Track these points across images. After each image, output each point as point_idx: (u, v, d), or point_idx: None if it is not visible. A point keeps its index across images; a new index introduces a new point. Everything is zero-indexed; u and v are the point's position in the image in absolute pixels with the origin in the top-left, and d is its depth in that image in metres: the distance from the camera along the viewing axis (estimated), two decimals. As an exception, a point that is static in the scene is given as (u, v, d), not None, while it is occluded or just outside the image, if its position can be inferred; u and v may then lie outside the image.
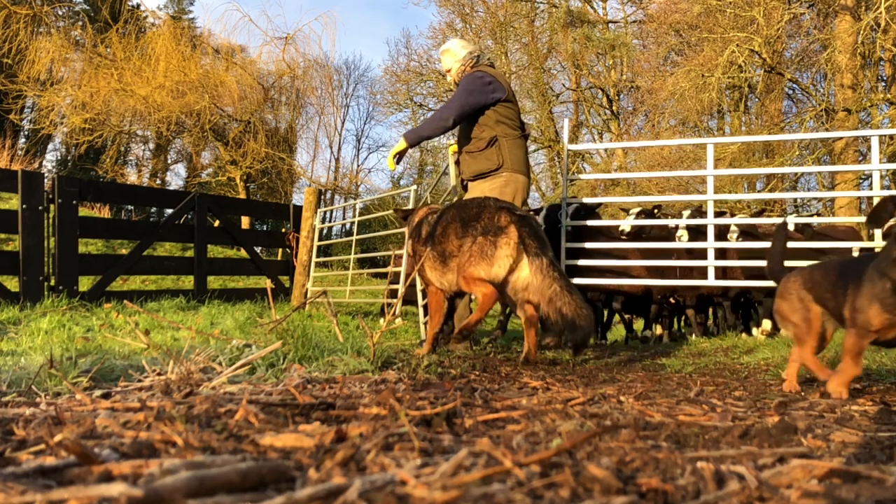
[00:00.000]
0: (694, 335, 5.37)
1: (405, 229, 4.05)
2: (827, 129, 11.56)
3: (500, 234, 2.95)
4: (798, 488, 0.87)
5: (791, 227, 5.33)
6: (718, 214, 4.97)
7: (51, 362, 1.79)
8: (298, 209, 7.03)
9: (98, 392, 1.64)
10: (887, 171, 8.95)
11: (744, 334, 5.06)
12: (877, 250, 3.98)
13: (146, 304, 5.47)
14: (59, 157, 25.40)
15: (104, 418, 1.21)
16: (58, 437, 1.04)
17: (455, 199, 4.45)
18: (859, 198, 12.26)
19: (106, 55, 15.75)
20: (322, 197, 22.03)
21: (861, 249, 4.35)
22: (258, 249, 9.66)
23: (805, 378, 2.34)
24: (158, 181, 26.16)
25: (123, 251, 7.38)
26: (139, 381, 1.79)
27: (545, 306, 2.89)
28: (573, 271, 4.41)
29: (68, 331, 4.00)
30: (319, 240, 6.78)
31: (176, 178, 27.20)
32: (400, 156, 3.93)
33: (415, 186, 5.63)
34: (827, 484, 0.91)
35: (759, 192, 13.86)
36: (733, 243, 4.54)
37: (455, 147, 4.21)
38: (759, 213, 6.29)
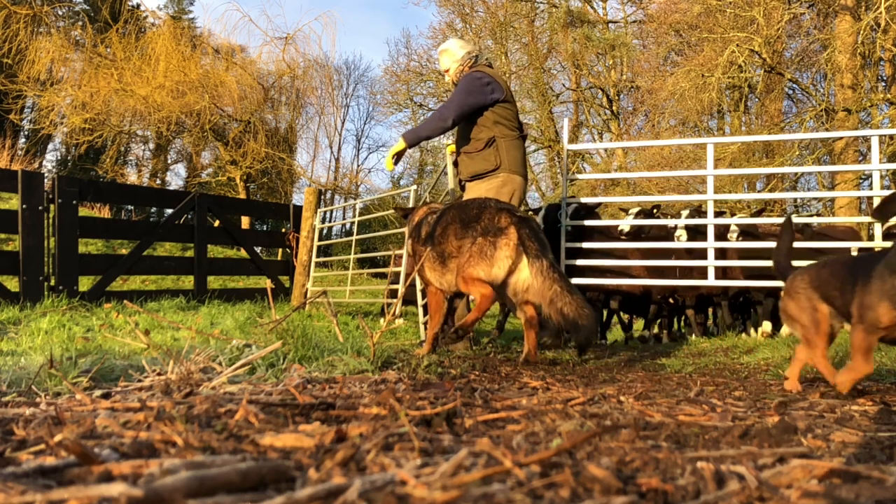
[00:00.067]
0: (694, 335, 5.37)
1: (405, 229, 4.04)
2: (827, 129, 11.56)
3: (499, 236, 2.94)
4: (798, 488, 0.87)
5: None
6: (717, 214, 4.97)
7: (51, 362, 1.79)
8: (298, 209, 7.03)
9: (98, 392, 1.64)
10: (887, 171, 8.95)
11: (743, 334, 5.07)
12: (877, 250, 3.98)
13: (146, 304, 5.47)
14: (59, 157, 25.42)
15: (104, 418, 1.21)
16: (58, 437, 1.04)
17: (450, 198, 4.45)
18: (859, 198, 12.26)
19: (106, 55, 15.75)
20: (322, 197, 22.03)
21: (859, 249, 4.35)
22: (258, 249, 9.66)
23: (805, 378, 2.34)
24: (158, 181, 26.16)
25: (123, 251, 7.38)
26: (139, 381, 1.79)
27: (546, 308, 2.88)
28: (572, 271, 4.41)
29: (68, 331, 4.00)
30: (319, 240, 6.78)
31: (176, 178, 27.23)
32: (398, 156, 3.93)
33: (415, 186, 5.63)
34: (827, 484, 0.91)
35: (759, 192, 13.87)
36: (733, 243, 4.54)
37: (453, 147, 4.21)
38: (759, 213, 6.29)
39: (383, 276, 9.79)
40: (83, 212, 8.55)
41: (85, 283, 5.71)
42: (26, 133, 21.75)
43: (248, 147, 16.57)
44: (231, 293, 6.63)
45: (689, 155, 13.43)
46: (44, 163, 23.73)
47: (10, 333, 3.90)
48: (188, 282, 6.90)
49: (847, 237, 5.21)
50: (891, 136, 10.75)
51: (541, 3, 21.04)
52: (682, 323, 6.69)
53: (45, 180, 5.35)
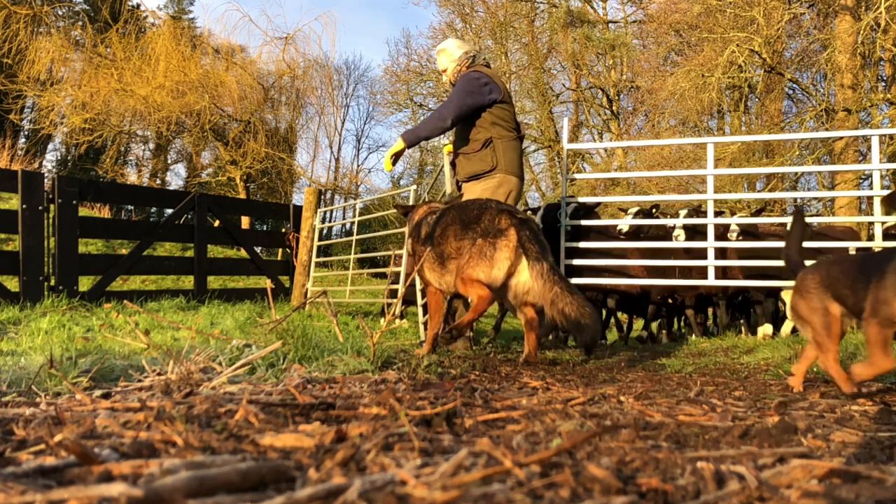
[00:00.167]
0: (694, 335, 5.37)
1: (405, 229, 4.04)
2: (827, 129, 11.56)
3: (499, 237, 2.93)
4: (798, 488, 0.87)
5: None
6: (716, 214, 4.97)
7: (51, 362, 1.79)
8: (298, 209, 7.03)
9: (98, 392, 1.64)
10: (887, 170, 8.96)
11: (743, 334, 5.07)
12: (875, 249, 3.98)
13: (146, 304, 5.47)
14: (59, 157, 25.42)
15: (104, 418, 1.21)
16: (58, 437, 1.04)
17: (445, 197, 4.45)
18: (859, 198, 12.26)
19: (106, 55, 15.75)
20: (322, 197, 22.04)
21: (858, 249, 4.35)
22: (258, 249, 9.66)
23: (805, 378, 2.34)
24: (158, 181, 26.16)
25: (123, 251, 7.37)
26: (139, 381, 1.79)
27: (548, 309, 2.87)
28: (571, 271, 4.40)
29: (68, 331, 4.00)
30: (319, 240, 6.79)
31: (176, 178, 27.23)
32: (397, 157, 3.92)
33: (414, 186, 5.63)
34: (827, 484, 0.91)
35: (759, 191, 13.87)
36: (733, 243, 4.54)
37: (450, 147, 4.20)
38: (759, 213, 6.29)
39: (383, 276, 9.79)
40: (83, 212, 8.55)
41: (85, 283, 5.71)
42: (26, 133, 21.75)
43: (248, 147, 16.57)
44: (231, 293, 6.63)
45: (689, 155, 13.42)
46: (44, 163, 23.75)
47: (10, 333, 3.90)
48: (188, 282, 6.90)
49: (846, 237, 5.21)
50: (891, 136, 10.75)
51: (541, 3, 21.04)
52: (682, 323, 6.69)
53: (45, 180, 5.35)
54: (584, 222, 4.61)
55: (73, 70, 16.45)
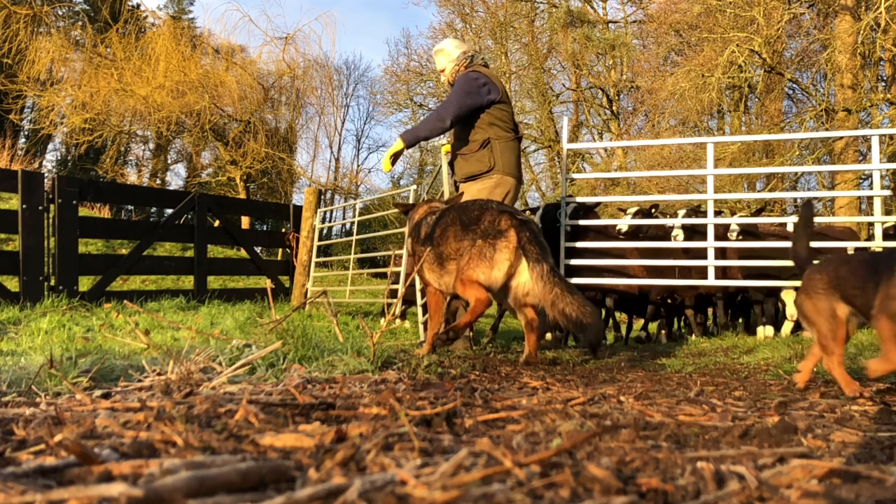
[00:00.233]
0: (694, 335, 5.37)
1: (405, 229, 4.04)
2: (827, 129, 11.56)
3: (499, 238, 2.92)
4: (798, 488, 0.87)
5: (790, 228, 5.33)
6: (715, 214, 4.97)
7: (51, 362, 1.79)
8: (298, 209, 7.03)
9: (98, 392, 1.64)
10: (887, 170, 8.95)
11: (744, 334, 5.07)
12: (872, 249, 3.98)
13: (146, 304, 5.47)
14: (59, 157, 25.42)
15: (104, 418, 1.21)
16: (58, 437, 1.04)
17: (444, 196, 4.44)
18: (859, 198, 12.26)
19: (106, 55, 15.76)
20: (322, 197, 22.04)
21: (856, 249, 4.35)
22: (258, 249, 9.66)
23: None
24: (158, 181, 26.16)
25: (123, 251, 7.38)
26: (139, 381, 1.79)
27: (549, 311, 2.87)
28: (570, 270, 4.41)
29: (68, 331, 4.00)
30: (319, 240, 6.79)
31: (176, 178, 27.23)
32: (396, 157, 3.92)
33: (414, 186, 5.64)
34: (827, 484, 0.91)
35: (759, 191, 13.87)
36: (733, 242, 4.54)
37: (448, 147, 4.20)
38: (759, 212, 6.29)
39: (383, 276, 9.79)
40: (83, 212, 8.55)
41: (85, 283, 5.71)
42: (26, 133, 21.75)
43: (248, 147, 16.58)
44: (231, 293, 6.63)
45: (689, 155, 13.43)
46: (44, 163, 23.76)
47: (10, 333, 3.90)
48: (188, 282, 6.90)
49: (845, 237, 5.21)
50: (891, 136, 10.76)
51: (541, 3, 21.05)
52: (682, 323, 6.69)
53: (45, 180, 5.35)
54: (582, 222, 4.61)
55: (73, 70, 16.46)
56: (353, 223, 7.22)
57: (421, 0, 57.78)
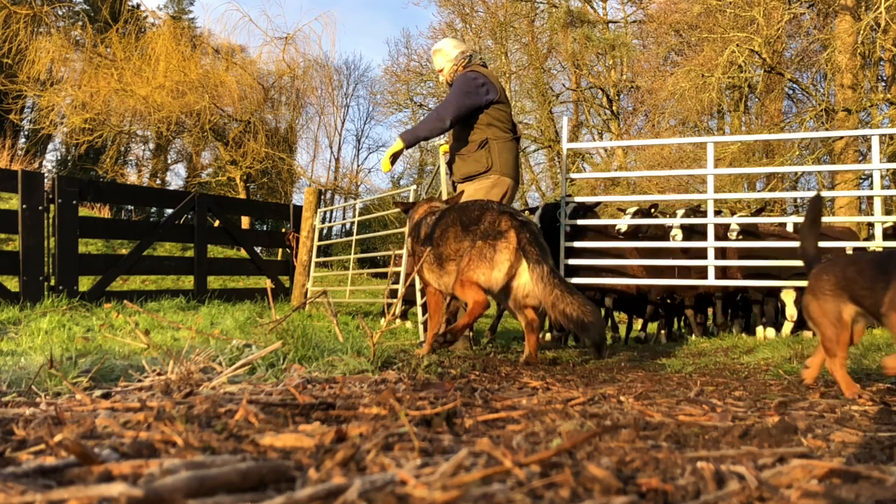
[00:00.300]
0: (694, 335, 5.37)
1: (405, 229, 4.03)
2: (827, 129, 11.56)
3: (499, 239, 2.91)
4: (798, 488, 0.87)
5: (790, 229, 5.33)
6: (715, 214, 4.97)
7: (51, 362, 1.79)
8: (298, 209, 7.03)
9: (98, 392, 1.64)
10: (887, 170, 8.96)
11: (743, 334, 5.06)
12: (871, 249, 3.98)
13: (146, 304, 5.47)
14: (59, 157, 25.43)
15: (104, 418, 1.21)
16: (58, 437, 1.04)
17: (440, 195, 4.44)
18: (859, 198, 12.26)
19: (106, 55, 15.76)
20: (322, 197, 22.04)
21: (854, 249, 4.35)
22: (258, 249, 9.66)
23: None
24: (158, 181, 26.16)
25: (123, 251, 7.38)
26: (139, 381, 1.79)
27: (550, 312, 2.86)
28: (570, 270, 4.40)
29: (68, 331, 4.00)
30: (319, 240, 6.78)
31: (176, 178, 27.24)
32: (395, 157, 3.91)
33: (414, 186, 5.64)
34: (827, 484, 0.91)
35: (759, 191, 13.87)
36: (733, 242, 4.54)
37: (446, 147, 4.20)
38: (759, 212, 6.29)
39: (383, 276, 9.79)
40: (83, 212, 8.55)
41: (85, 283, 5.71)
42: (26, 133, 21.76)
43: (248, 147, 16.58)
44: (231, 293, 6.63)
45: (689, 155, 13.43)
46: (44, 163, 23.76)
47: (10, 333, 3.90)
48: (188, 282, 6.90)
49: (845, 237, 5.21)
50: (891, 136, 10.76)
51: (541, 3, 21.05)
52: (682, 323, 6.69)
53: (45, 180, 5.35)
54: (581, 222, 4.61)
55: (73, 70, 16.46)
56: (353, 223, 7.22)
57: (421, 0, 57.84)
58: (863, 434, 1.32)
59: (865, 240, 5.42)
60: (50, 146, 24.13)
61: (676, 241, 4.73)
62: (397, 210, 3.94)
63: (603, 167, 20.09)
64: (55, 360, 1.86)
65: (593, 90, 21.84)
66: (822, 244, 4.26)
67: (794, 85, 14.69)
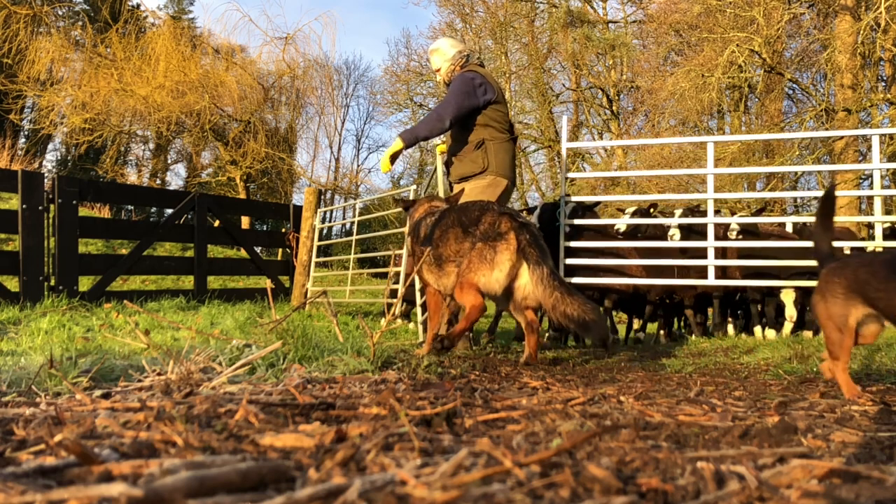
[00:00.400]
0: (693, 335, 5.36)
1: (405, 229, 4.03)
2: (827, 129, 11.56)
3: (499, 240, 2.90)
4: (798, 488, 0.87)
5: (790, 229, 5.33)
6: (715, 214, 4.96)
7: (51, 362, 1.79)
8: (298, 209, 7.03)
9: (98, 392, 1.64)
10: (887, 170, 8.96)
11: (743, 334, 5.06)
12: (870, 249, 3.98)
13: (146, 304, 5.47)
14: (59, 157, 25.43)
15: (104, 418, 1.21)
16: (58, 437, 1.04)
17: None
18: (859, 198, 12.26)
19: (106, 55, 15.76)
20: (322, 197, 22.05)
21: (853, 249, 4.35)
22: (258, 249, 9.66)
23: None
24: (158, 181, 26.17)
25: (123, 251, 7.38)
26: (139, 381, 1.79)
27: (550, 314, 2.86)
28: (569, 270, 4.40)
29: (68, 331, 4.00)
30: (319, 240, 6.78)
31: (176, 178, 27.25)
32: (395, 157, 3.91)
33: (414, 186, 5.64)
34: (827, 484, 0.91)
35: (759, 191, 13.87)
36: (733, 242, 4.54)
37: (443, 147, 4.19)
38: (759, 212, 6.28)
39: (383, 276, 9.79)
40: (83, 212, 8.55)
41: (85, 283, 5.71)
42: (26, 133, 21.76)
43: (248, 147, 16.58)
44: (231, 293, 6.63)
45: (688, 155, 13.43)
46: (44, 163, 23.77)
47: (10, 333, 3.90)
48: (188, 282, 6.90)
49: (844, 237, 5.21)
50: (891, 136, 10.76)
51: (541, 3, 21.06)
52: (682, 323, 6.69)
53: (45, 180, 5.35)
54: (578, 221, 4.61)
55: (73, 70, 16.47)
56: (353, 223, 7.22)
57: (421, 0, 57.84)
58: (863, 434, 1.32)
59: (862, 240, 5.41)
60: (50, 146, 24.16)
61: (674, 240, 4.73)
62: (397, 210, 3.94)
63: (603, 167, 20.09)
64: (55, 360, 1.86)
65: (593, 90, 21.84)
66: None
67: (794, 85, 14.69)
